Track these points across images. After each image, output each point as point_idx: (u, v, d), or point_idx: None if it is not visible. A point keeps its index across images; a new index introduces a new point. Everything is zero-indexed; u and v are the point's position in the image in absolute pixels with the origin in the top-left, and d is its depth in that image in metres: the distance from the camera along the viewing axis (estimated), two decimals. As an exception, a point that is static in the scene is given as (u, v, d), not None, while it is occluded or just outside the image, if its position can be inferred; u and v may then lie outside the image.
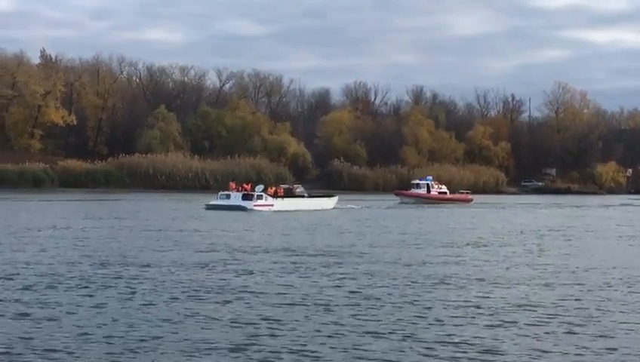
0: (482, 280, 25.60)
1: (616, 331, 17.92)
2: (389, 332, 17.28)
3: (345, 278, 25.40)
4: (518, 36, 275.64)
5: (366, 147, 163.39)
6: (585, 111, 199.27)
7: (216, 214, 64.45)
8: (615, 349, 16.28)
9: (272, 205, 73.42)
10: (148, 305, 20.24)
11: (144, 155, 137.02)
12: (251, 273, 26.36)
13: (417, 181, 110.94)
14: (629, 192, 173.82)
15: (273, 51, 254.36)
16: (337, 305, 20.40)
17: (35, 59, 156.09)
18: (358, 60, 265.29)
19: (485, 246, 38.84)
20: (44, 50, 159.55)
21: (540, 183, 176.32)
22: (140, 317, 18.65)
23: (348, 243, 38.54)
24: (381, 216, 68.90)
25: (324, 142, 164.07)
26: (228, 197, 74.95)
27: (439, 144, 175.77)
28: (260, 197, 74.05)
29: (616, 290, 23.88)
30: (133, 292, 22.03)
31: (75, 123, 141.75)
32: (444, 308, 20.26)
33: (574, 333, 17.60)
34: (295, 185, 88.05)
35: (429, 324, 18.24)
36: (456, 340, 16.69)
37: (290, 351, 15.67)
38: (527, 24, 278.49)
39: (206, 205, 73.53)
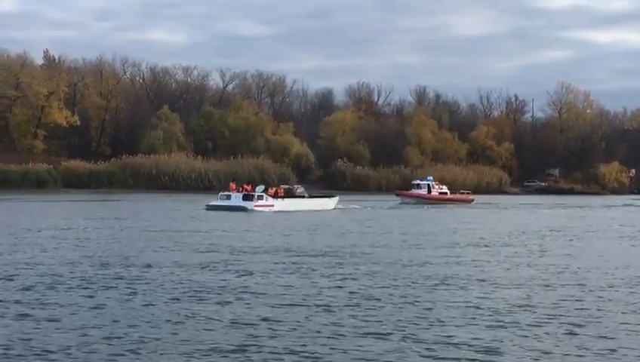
0: (483, 280, 25.57)
1: (618, 332, 17.88)
2: (390, 333, 17.26)
3: (346, 279, 25.39)
4: (520, 36, 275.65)
5: (369, 147, 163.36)
6: (588, 111, 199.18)
7: (216, 215, 64.46)
8: (616, 350, 16.26)
9: (272, 205, 73.44)
10: (148, 305, 20.24)
11: (147, 156, 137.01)
12: (252, 274, 26.35)
13: (418, 181, 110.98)
14: (632, 192, 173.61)
15: (276, 52, 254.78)
16: (338, 306, 20.38)
17: (39, 60, 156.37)
18: (361, 61, 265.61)
19: (486, 246, 38.80)
20: (47, 51, 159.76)
21: (543, 184, 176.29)
22: (141, 317, 18.65)
23: (348, 244, 38.50)
24: (381, 216, 68.87)
25: (327, 143, 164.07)
26: (228, 197, 74.97)
27: (442, 144, 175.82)
28: (260, 197, 74.06)
29: (617, 291, 23.83)
30: (134, 293, 22.04)
31: (78, 123, 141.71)
32: (445, 309, 20.24)
33: (575, 334, 17.57)
34: (295, 186, 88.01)
35: (430, 325, 18.21)
36: (457, 341, 16.66)
37: (291, 352, 15.66)
38: (529, 24, 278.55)
39: (206, 206, 73.55)
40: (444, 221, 61.88)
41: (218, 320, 18.44)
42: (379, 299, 21.48)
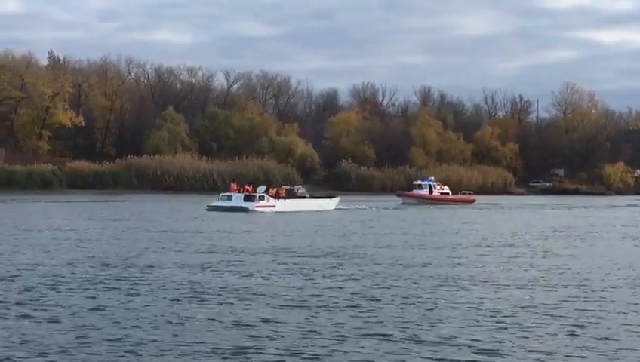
0: (484, 281, 25.55)
1: (620, 333, 17.86)
2: (391, 334, 17.25)
3: (347, 280, 25.38)
4: (525, 37, 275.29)
5: (374, 148, 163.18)
6: (593, 111, 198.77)
7: (218, 216, 64.46)
8: (618, 351, 16.25)
9: (273, 206, 73.44)
10: (149, 306, 20.26)
11: (152, 156, 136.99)
12: (253, 274, 26.36)
13: (419, 182, 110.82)
14: (637, 193, 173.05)
15: (280, 52, 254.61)
16: (339, 307, 20.38)
17: (43, 61, 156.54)
18: (366, 61, 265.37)
19: (488, 246, 38.78)
20: (52, 52, 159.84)
21: (548, 184, 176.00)
22: (142, 318, 18.65)
23: (350, 245, 38.54)
24: (382, 216, 68.81)
25: (332, 143, 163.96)
26: (229, 198, 74.94)
27: (447, 145, 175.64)
28: (261, 198, 74.05)
29: (619, 292, 23.78)
30: (135, 294, 22.06)
31: (83, 124, 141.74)
32: (446, 310, 20.23)
33: (578, 335, 17.54)
34: (296, 186, 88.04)
35: (432, 326, 18.20)
36: (458, 342, 16.65)
37: (293, 353, 15.66)
38: (534, 25, 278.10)
39: (207, 206, 73.56)
40: (445, 221, 61.80)
41: (219, 321, 18.43)
42: (380, 300, 21.46)
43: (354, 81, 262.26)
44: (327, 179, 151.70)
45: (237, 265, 28.97)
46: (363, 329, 17.76)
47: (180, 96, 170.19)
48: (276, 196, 76.06)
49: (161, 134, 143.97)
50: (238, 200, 73.77)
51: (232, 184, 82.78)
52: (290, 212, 71.64)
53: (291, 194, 79.49)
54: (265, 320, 18.46)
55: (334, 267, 28.93)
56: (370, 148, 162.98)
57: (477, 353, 15.86)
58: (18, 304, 20.49)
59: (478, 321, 18.82)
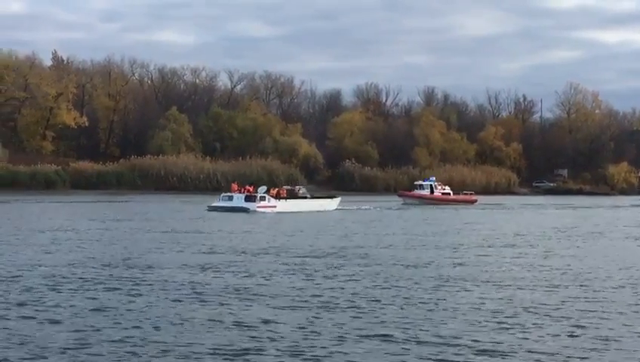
0: (486, 281, 25.52)
1: (622, 334, 17.84)
2: (393, 334, 17.25)
3: (348, 280, 25.37)
4: (528, 37, 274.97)
5: (377, 148, 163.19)
6: (597, 111, 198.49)
7: (219, 216, 64.43)
8: (618, 351, 16.26)
9: (274, 206, 73.42)
10: (150, 307, 20.27)
11: (156, 157, 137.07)
12: (254, 275, 26.36)
13: (421, 182, 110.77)
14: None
15: (284, 53, 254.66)
16: (341, 307, 20.38)
17: (47, 61, 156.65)
18: (369, 61, 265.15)
19: (489, 247, 38.74)
20: (55, 52, 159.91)
21: (552, 184, 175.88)
22: (143, 319, 18.66)
23: (351, 245, 38.52)
24: (383, 217, 68.74)
25: (336, 144, 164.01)
26: (230, 198, 74.86)
27: (451, 145, 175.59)
28: (262, 198, 74.02)
29: (621, 292, 23.75)
30: (136, 295, 22.07)
31: (86, 124, 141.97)
32: (447, 310, 20.22)
33: (579, 336, 17.53)
34: (297, 187, 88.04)
35: (433, 326, 18.19)
36: (460, 342, 16.64)
37: (294, 354, 15.67)
38: (537, 25, 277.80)
39: (208, 207, 73.53)
40: (446, 222, 61.71)
41: (220, 321, 18.44)
42: (381, 301, 21.46)
43: (357, 82, 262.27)
44: (330, 180, 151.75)
45: (238, 266, 28.98)
46: (364, 329, 17.75)
47: (183, 96, 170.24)
48: (277, 196, 76.06)
49: (165, 134, 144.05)
50: (239, 200, 73.75)
51: (232, 184, 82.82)
52: (291, 212, 71.60)
53: (292, 195, 79.43)
54: (266, 321, 18.46)
55: (335, 267, 28.93)
56: (374, 148, 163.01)
57: (478, 354, 15.85)
58: (19, 304, 20.52)
59: (479, 322, 18.81)
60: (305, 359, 15.43)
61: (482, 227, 55.44)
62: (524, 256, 34.24)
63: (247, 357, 15.45)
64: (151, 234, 43.90)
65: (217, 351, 15.74)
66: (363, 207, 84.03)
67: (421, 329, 17.86)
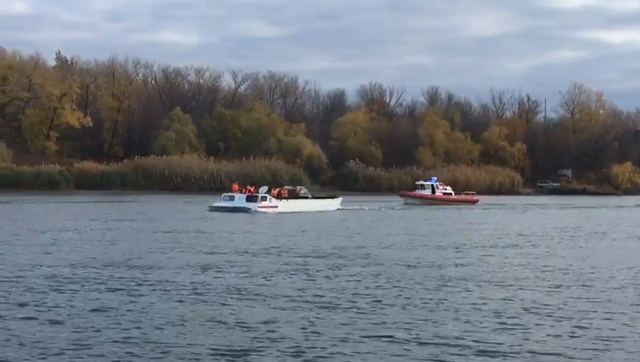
0: (488, 281, 25.51)
1: (624, 334, 17.80)
2: (393, 335, 17.23)
3: (349, 280, 25.35)
4: (532, 37, 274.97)
5: (381, 148, 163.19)
6: (601, 111, 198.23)
7: (220, 216, 64.38)
8: (620, 352, 16.22)
9: (276, 206, 73.38)
10: (151, 307, 20.26)
11: (159, 157, 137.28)
12: (255, 275, 26.36)
13: (422, 182, 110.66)
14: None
15: (288, 53, 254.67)
16: (342, 308, 20.36)
17: (51, 62, 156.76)
18: (373, 61, 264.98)
19: (491, 247, 38.68)
20: (59, 53, 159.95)
21: (556, 184, 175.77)
22: (144, 320, 18.66)
23: (352, 245, 38.50)
24: (384, 217, 68.73)
25: (340, 144, 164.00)
26: (232, 198, 74.77)
27: (455, 145, 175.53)
28: (263, 198, 73.97)
29: (624, 293, 23.70)
30: (137, 295, 22.08)
31: (90, 125, 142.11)
32: (448, 310, 20.21)
33: (581, 336, 17.50)
34: (299, 187, 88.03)
35: (434, 327, 18.18)
36: (461, 343, 16.62)
37: (295, 354, 15.67)
38: (541, 25, 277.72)
39: (209, 207, 73.50)
40: (447, 222, 61.61)
41: (221, 322, 18.44)
42: (382, 301, 21.45)
43: (361, 82, 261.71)
44: (334, 180, 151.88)
45: (239, 266, 28.98)
46: (365, 330, 17.74)
47: (187, 96, 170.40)
48: (278, 196, 76.00)
49: (169, 135, 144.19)
50: (240, 200, 73.66)
51: (233, 184, 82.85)
52: (293, 212, 71.58)
53: (293, 195, 79.40)
54: (267, 321, 18.46)
55: (336, 268, 28.91)
56: (378, 148, 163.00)
57: (480, 354, 15.84)
58: (20, 305, 20.55)
59: (481, 322, 18.79)
60: (306, 360, 15.41)
61: (483, 227, 55.31)
62: (526, 256, 34.20)
63: (248, 357, 15.44)
64: (152, 235, 43.93)
65: (218, 352, 15.73)
66: (364, 207, 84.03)
67: (422, 330, 17.84)
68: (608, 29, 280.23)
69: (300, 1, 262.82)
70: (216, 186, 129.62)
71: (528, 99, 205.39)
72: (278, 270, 27.89)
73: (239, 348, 15.98)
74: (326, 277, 26.26)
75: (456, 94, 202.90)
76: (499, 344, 16.66)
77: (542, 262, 31.80)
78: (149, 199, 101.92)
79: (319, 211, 74.98)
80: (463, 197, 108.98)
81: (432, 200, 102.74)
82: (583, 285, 25.16)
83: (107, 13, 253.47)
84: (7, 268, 27.75)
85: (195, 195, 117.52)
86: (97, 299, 21.53)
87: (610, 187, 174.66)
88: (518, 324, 18.57)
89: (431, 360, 15.50)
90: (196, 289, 23.15)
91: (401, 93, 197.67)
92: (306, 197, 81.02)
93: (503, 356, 15.75)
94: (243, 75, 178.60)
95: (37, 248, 35.15)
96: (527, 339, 17.12)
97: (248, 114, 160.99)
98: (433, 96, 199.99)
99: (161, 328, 17.80)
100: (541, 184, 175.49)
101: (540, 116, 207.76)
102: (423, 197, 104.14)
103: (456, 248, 37.88)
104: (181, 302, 21.13)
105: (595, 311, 20.45)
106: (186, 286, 23.73)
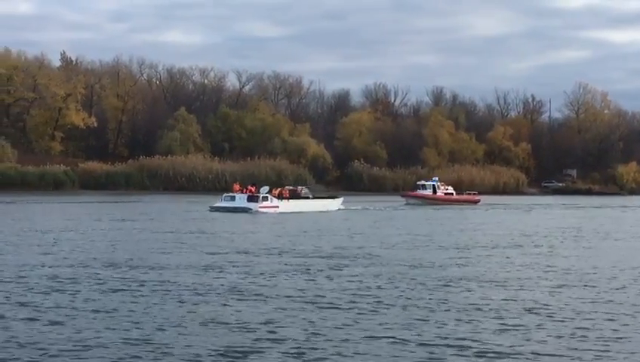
0: (489, 282, 25.46)
1: (626, 335, 17.80)
2: (394, 335, 17.24)
3: (350, 281, 25.32)
4: (537, 37, 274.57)
5: (386, 148, 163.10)
6: (606, 111, 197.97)
7: (221, 216, 64.37)
8: (621, 352, 16.21)
9: (277, 207, 73.35)
10: (152, 308, 20.27)
11: (164, 157, 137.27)
12: (256, 275, 26.34)
13: (423, 182, 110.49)
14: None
15: (292, 53, 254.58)
16: (343, 308, 20.35)
17: (56, 62, 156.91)
18: (378, 61, 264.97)
19: (493, 248, 38.60)
20: (64, 53, 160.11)
21: (561, 184, 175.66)
22: (145, 320, 18.66)
23: (352, 245, 38.48)
24: (385, 217, 68.62)
25: (344, 144, 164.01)
26: (233, 198, 74.68)
27: (459, 145, 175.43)
28: (264, 198, 73.90)
29: (626, 293, 23.67)
30: (138, 295, 22.08)
31: (95, 125, 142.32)
32: (450, 311, 20.19)
33: (582, 337, 17.49)
34: (300, 187, 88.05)
35: (435, 327, 18.18)
36: (462, 343, 16.62)
37: (296, 354, 15.68)
38: (545, 25, 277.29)
39: (210, 207, 73.49)
40: (448, 222, 61.46)
41: (222, 322, 18.44)
42: (383, 301, 21.42)
43: (366, 82, 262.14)
44: (339, 180, 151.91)
45: (240, 266, 28.97)
46: (367, 330, 17.74)
47: (192, 96, 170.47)
48: (279, 196, 75.97)
49: (174, 135, 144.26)
50: (241, 200, 73.56)
51: (234, 185, 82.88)
52: (294, 212, 71.60)
53: (295, 195, 79.40)
54: (268, 322, 18.45)
55: (337, 268, 28.90)
56: (382, 148, 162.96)
57: (481, 355, 15.84)
58: (21, 305, 20.57)
59: (482, 323, 18.77)
60: (307, 360, 15.42)
61: (484, 227, 55.15)
62: (528, 256, 34.18)
63: (249, 358, 15.43)
64: (154, 235, 43.93)
65: (219, 353, 15.73)
66: (365, 208, 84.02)
67: (424, 330, 17.85)
68: (613, 28, 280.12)
69: (305, 1, 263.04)
70: (221, 186, 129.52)
71: (533, 99, 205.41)
72: (279, 270, 27.89)
73: (240, 349, 15.98)
74: (327, 277, 26.24)
75: (460, 94, 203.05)
76: (500, 345, 16.63)
77: (544, 262, 31.75)
78: (153, 199, 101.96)
79: (320, 211, 74.96)
80: (464, 197, 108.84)
81: (433, 201, 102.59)
82: (586, 285, 25.10)
83: (111, 14, 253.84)
84: (9, 268, 27.75)
85: (200, 195, 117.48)
86: (98, 299, 21.53)
87: (615, 187, 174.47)
88: (519, 325, 18.55)
89: (432, 360, 15.49)
90: (197, 289, 23.14)
91: (406, 93, 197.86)
92: (307, 198, 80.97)
93: (506, 357, 15.74)
94: (247, 75, 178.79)
95: (38, 248, 35.17)
96: (529, 340, 17.10)
97: (253, 114, 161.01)
98: (438, 96, 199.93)
99: (161, 328, 17.79)
100: (546, 184, 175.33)
101: (545, 116, 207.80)
102: (424, 198, 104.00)
103: (456, 248, 37.80)
104: (182, 302, 21.12)
105: (598, 312, 20.41)
106: (186, 286, 23.70)
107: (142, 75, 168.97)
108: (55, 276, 25.72)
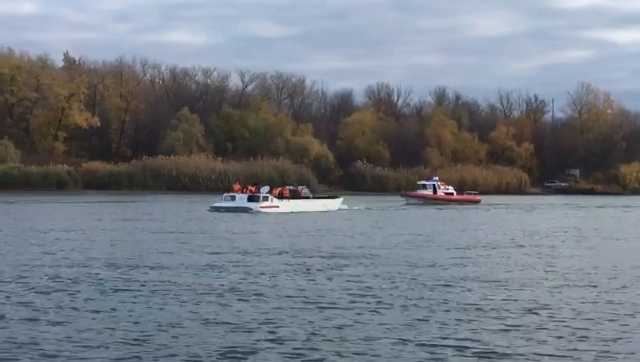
0: (489, 282, 25.40)
1: (628, 335, 17.78)
2: (395, 335, 17.24)
3: (350, 281, 25.26)
4: (539, 37, 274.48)
5: (389, 148, 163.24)
6: (608, 111, 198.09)
7: (221, 216, 64.31)
8: (621, 353, 16.20)
9: (277, 206, 73.32)
10: (153, 307, 20.28)
11: (167, 157, 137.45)
12: (256, 275, 26.32)
13: (423, 182, 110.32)
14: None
15: (295, 53, 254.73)
16: (343, 308, 20.32)
17: (59, 62, 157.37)
18: (381, 61, 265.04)
19: (494, 248, 38.52)
20: (67, 53, 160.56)
21: (564, 184, 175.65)
22: (145, 320, 18.66)
23: (352, 245, 38.42)
24: (385, 217, 68.56)
25: (347, 144, 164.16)
26: (233, 198, 74.53)
27: (462, 145, 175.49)
28: (265, 198, 73.81)
29: (627, 293, 23.63)
30: (138, 295, 22.07)
31: (98, 125, 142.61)
32: (449, 311, 20.16)
33: (583, 337, 17.47)
34: (300, 187, 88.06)
35: (437, 327, 18.17)
36: (463, 344, 16.62)
37: (296, 355, 15.69)
38: (548, 25, 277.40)
39: (210, 207, 73.45)
40: (448, 222, 61.35)
41: (222, 322, 18.43)
42: (384, 301, 21.41)
43: (368, 82, 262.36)
44: (341, 180, 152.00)
45: (240, 266, 28.95)
46: (367, 330, 17.72)
47: (195, 96, 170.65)
48: (280, 196, 75.96)
49: (177, 135, 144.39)
50: (241, 200, 73.44)
51: (234, 184, 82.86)
52: (294, 212, 71.62)
53: (295, 195, 79.43)
54: (269, 322, 18.45)
55: (337, 268, 28.88)
56: (385, 148, 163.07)
57: (482, 355, 15.82)
58: (21, 305, 20.59)
59: (483, 323, 18.74)
60: (307, 360, 15.42)
61: (484, 227, 55.00)
62: (529, 256, 34.12)
63: (249, 358, 15.43)
64: (154, 235, 43.92)
65: (220, 353, 15.74)
66: (366, 207, 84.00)
67: (424, 330, 17.83)
68: (615, 28, 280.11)
69: (308, 1, 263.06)
70: (224, 186, 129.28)
71: (536, 99, 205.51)
72: (279, 270, 27.85)
73: (240, 349, 15.97)
74: (327, 277, 26.23)
75: (463, 94, 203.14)
76: (501, 345, 16.61)
77: (545, 262, 31.71)
78: (156, 199, 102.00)
79: (321, 211, 74.97)
80: (465, 197, 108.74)
81: (433, 200, 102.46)
82: (587, 285, 25.06)
83: (114, 14, 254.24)
84: (9, 268, 27.77)
85: (203, 195, 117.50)
86: (98, 299, 21.53)
87: (618, 187, 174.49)
88: (520, 325, 18.52)
89: (432, 360, 15.49)
90: (197, 289, 23.13)
91: (409, 93, 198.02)
92: (308, 197, 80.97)
93: (505, 357, 15.73)
94: (250, 75, 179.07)
95: (39, 248, 35.15)
96: (530, 340, 17.07)
97: (256, 114, 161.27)
98: (440, 96, 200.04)
99: (162, 329, 17.78)
100: (549, 184, 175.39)
101: (548, 116, 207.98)
102: (424, 197, 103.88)
103: (458, 248, 37.77)
104: (182, 302, 21.09)
105: (598, 312, 20.38)
106: (187, 286, 23.68)
107: (145, 75, 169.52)
108: (55, 276, 25.71)
